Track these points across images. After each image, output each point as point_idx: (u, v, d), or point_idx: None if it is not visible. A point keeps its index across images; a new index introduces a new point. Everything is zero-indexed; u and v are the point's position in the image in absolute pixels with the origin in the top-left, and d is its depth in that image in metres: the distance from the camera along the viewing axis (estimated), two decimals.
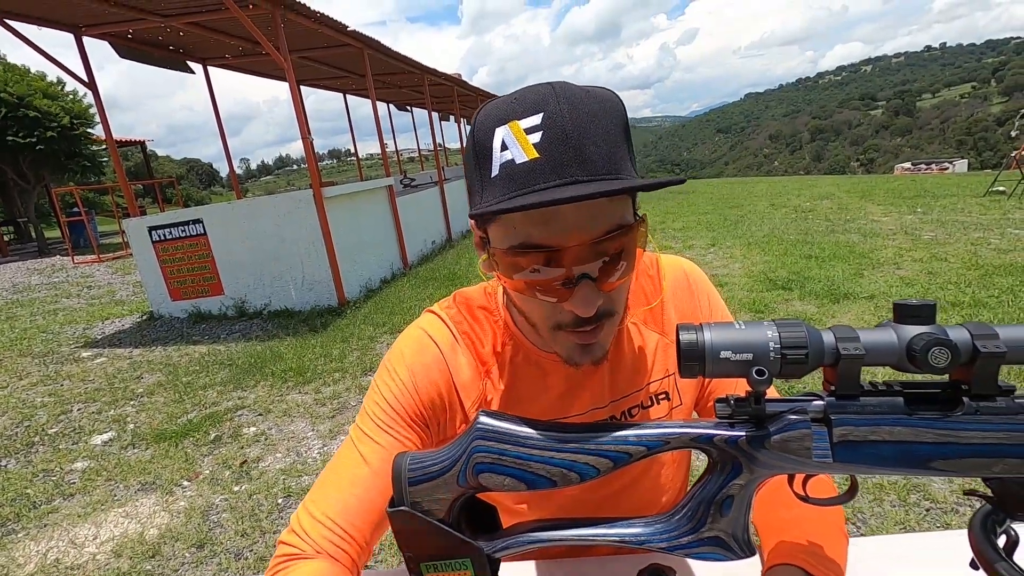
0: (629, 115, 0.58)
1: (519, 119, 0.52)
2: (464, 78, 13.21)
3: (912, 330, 0.42)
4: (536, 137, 0.51)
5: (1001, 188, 9.44)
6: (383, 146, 8.42)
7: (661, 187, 0.50)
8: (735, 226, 8.63)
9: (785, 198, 11.77)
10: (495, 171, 0.53)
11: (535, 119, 0.51)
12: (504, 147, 0.52)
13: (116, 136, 6.48)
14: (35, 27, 5.55)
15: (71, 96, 14.10)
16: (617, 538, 0.49)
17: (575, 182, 0.50)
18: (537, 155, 0.50)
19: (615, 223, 0.54)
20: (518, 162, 0.51)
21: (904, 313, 0.43)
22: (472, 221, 0.62)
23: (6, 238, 15.54)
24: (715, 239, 7.71)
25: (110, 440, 3.39)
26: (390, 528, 0.53)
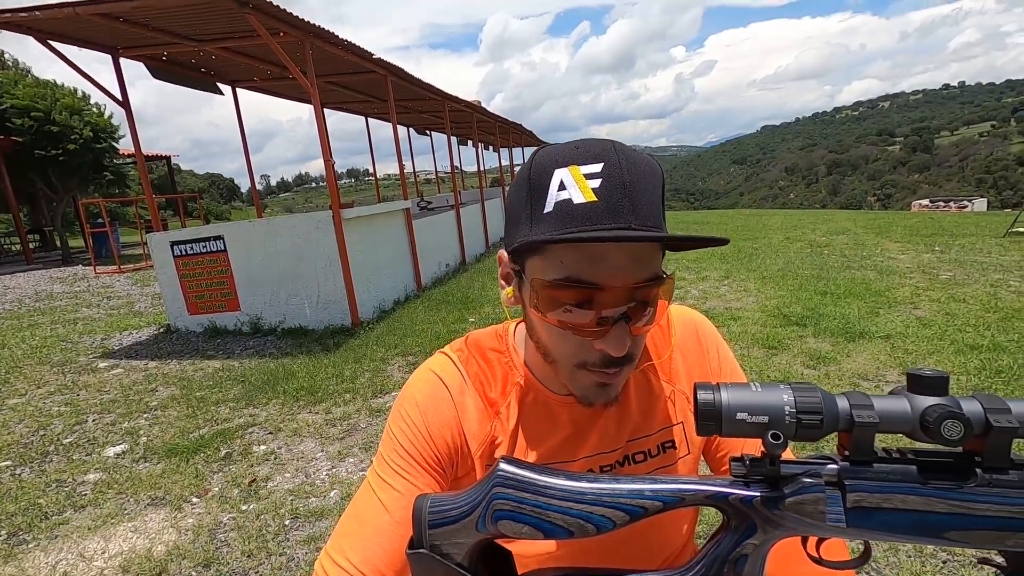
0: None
1: (580, 165, 0.56)
2: (482, 103, 13.45)
3: (925, 401, 0.43)
4: (595, 183, 0.55)
5: (1022, 229, 9.32)
6: (402, 170, 8.56)
7: (707, 244, 0.54)
8: (749, 259, 8.60)
9: (800, 231, 11.72)
10: (548, 207, 0.56)
11: (595, 167, 0.55)
12: (562, 187, 0.56)
13: (142, 151, 6.66)
14: (75, 48, 5.79)
15: (95, 109, 14.45)
16: None
17: (629, 228, 0.54)
18: (595, 199, 0.54)
19: (654, 272, 0.58)
20: (576, 202, 0.55)
21: (918, 384, 0.44)
22: (506, 254, 0.64)
23: (32, 246, 15.92)
24: (729, 271, 7.69)
25: (123, 452, 3.43)
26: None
